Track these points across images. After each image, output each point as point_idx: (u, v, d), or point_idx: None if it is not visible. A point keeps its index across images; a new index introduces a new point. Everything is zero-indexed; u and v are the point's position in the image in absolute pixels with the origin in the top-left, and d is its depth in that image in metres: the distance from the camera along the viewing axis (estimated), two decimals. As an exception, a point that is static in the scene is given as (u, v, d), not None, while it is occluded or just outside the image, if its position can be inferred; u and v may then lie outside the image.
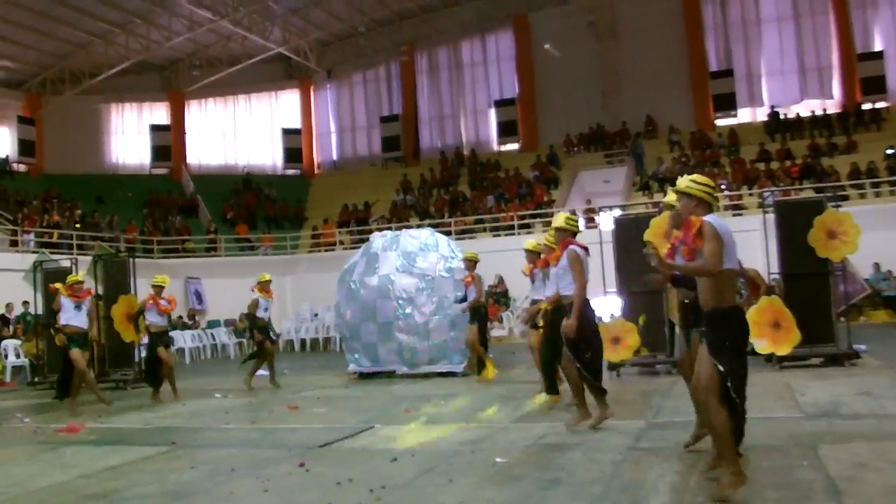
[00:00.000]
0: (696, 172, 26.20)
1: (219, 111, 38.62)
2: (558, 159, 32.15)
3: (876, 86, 29.78)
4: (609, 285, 13.68)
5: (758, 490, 5.30)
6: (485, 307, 13.67)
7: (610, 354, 11.77)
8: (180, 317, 25.07)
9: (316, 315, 27.21)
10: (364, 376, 14.94)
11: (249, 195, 35.09)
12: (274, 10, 32.06)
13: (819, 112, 30.44)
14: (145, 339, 14.40)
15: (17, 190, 29.81)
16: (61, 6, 28.94)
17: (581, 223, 25.65)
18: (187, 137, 37.25)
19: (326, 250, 30.42)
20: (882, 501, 5.08)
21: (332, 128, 39.02)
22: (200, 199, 34.21)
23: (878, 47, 30.66)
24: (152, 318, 13.34)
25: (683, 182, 5.63)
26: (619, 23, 33.27)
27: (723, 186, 26.58)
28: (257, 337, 14.34)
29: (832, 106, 30.79)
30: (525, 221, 27.51)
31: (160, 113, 37.11)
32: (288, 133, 38.40)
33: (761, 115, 31.77)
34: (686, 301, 6.43)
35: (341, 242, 30.29)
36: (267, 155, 38.75)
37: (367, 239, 17.08)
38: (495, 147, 35.50)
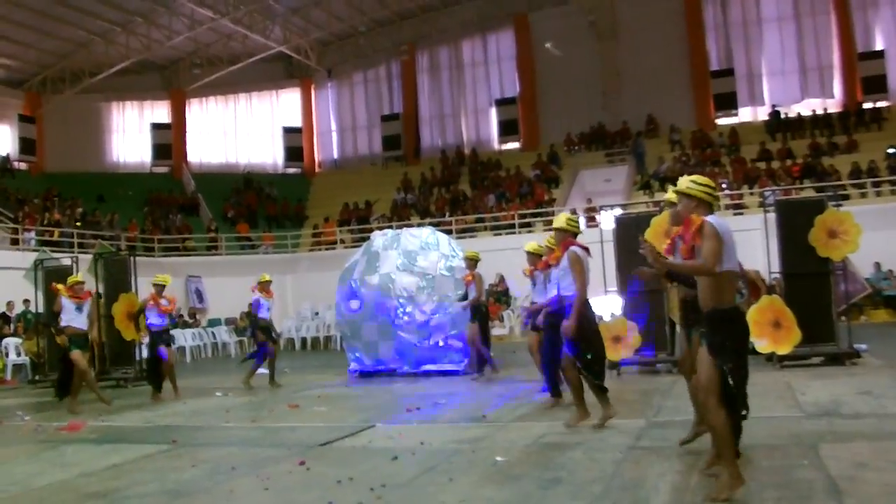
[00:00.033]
0: (696, 171, 26.28)
1: (220, 110, 38.62)
2: (559, 158, 32.14)
3: (877, 85, 29.76)
4: (610, 284, 13.66)
5: (758, 489, 5.30)
6: (485, 306, 13.67)
7: (611, 353, 11.77)
8: (181, 315, 25.06)
9: (317, 314, 27.22)
10: (365, 375, 14.96)
11: (250, 194, 35.10)
12: (275, 9, 32.07)
13: (820, 111, 30.43)
14: (146, 339, 14.41)
15: (17, 188, 29.81)
16: (62, 5, 28.94)
17: (582, 222, 25.69)
18: (188, 136, 37.24)
19: (327, 249, 30.42)
20: (882, 501, 5.08)
21: (333, 127, 39.01)
22: (201, 197, 34.22)
23: (878, 46, 30.63)
24: (153, 318, 13.34)
25: (684, 182, 5.63)
26: (620, 22, 33.26)
27: (723, 186, 26.57)
28: (260, 337, 14.35)
29: (833, 105, 30.79)
30: (526, 220, 27.50)
31: (161, 111, 37.11)
32: (289, 132, 38.40)
33: (762, 114, 31.76)
34: (686, 299, 6.42)
35: (342, 241, 30.29)
36: (268, 154, 38.76)
37: (368, 238, 17.09)
38: (496, 146, 35.50)
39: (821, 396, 9.18)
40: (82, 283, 12.47)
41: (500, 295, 24.53)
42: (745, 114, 32.25)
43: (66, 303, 11.98)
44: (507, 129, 35.07)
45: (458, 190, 32.03)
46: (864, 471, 5.70)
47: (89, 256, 18.23)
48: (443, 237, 15.99)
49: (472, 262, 13.47)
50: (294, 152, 38.40)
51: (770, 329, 11.79)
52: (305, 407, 11.08)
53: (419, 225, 22.60)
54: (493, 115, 35.63)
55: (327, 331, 25.92)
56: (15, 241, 24.93)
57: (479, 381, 12.95)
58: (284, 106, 39.24)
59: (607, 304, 15.29)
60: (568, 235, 8.20)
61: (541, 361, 10.07)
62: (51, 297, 14.42)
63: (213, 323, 26.86)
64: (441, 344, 14.55)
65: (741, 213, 24.90)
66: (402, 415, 9.69)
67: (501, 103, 35.25)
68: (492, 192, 30.75)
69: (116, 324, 14.56)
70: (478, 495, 5.66)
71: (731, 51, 32.56)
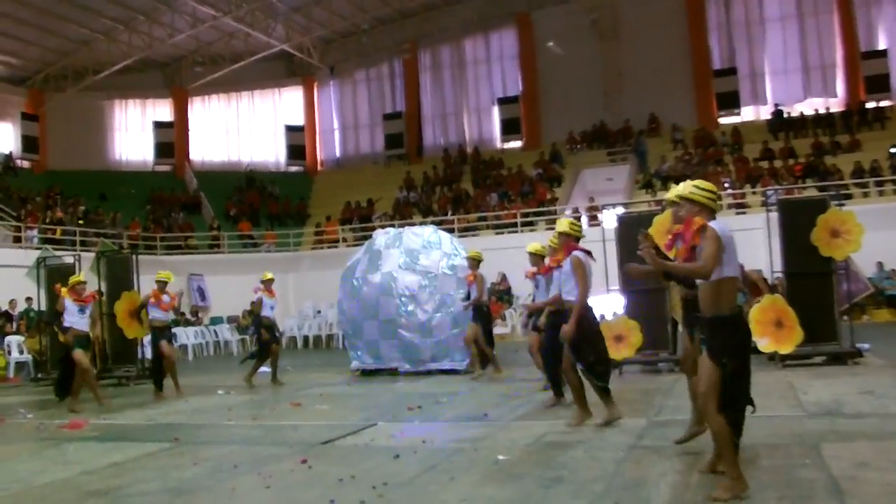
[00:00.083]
0: (699, 170, 26.31)
1: (222, 108, 38.63)
2: (561, 157, 32.12)
3: (880, 84, 29.70)
4: (612, 283, 13.66)
5: (760, 488, 5.29)
6: (487, 306, 13.66)
7: (612, 352, 11.76)
8: (183, 313, 25.07)
9: (318, 312, 27.23)
10: (366, 373, 14.96)
11: (252, 192, 35.11)
12: (277, 7, 32.06)
13: (822, 110, 30.39)
14: (149, 336, 14.45)
15: (20, 186, 29.85)
16: (65, 3, 28.97)
17: (584, 221, 25.74)
18: (190, 134, 37.23)
19: (329, 247, 30.42)
20: (884, 501, 5.08)
21: (336, 125, 39.03)
22: (203, 195, 34.22)
23: (882, 45, 30.56)
24: (155, 314, 13.37)
25: (687, 188, 5.60)
26: (622, 21, 33.22)
27: (726, 185, 26.55)
28: (264, 336, 14.35)
29: (836, 104, 30.73)
30: (528, 219, 27.49)
31: (163, 110, 37.12)
32: (291, 130, 38.40)
33: (765, 113, 31.71)
34: (687, 298, 6.42)
35: (344, 240, 30.27)
36: (270, 152, 38.76)
37: (370, 236, 17.08)
38: (498, 145, 35.50)
39: (823, 396, 9.17)
40: (84, 283, 12.46)
41: (503, 294, 24.53)
42: (748, 113, 32.22)
43: (69, 304, 11.99)
44: (509, 128, 35.06)
45: (461, 189, 32.01)
46: (866, 470, 5.70)
47: (91, 254, 18.26)
48: (445, 236, 15.99)
49: (475, 262, 13.48)
50: (296, 151, 38.40)
51: (772, 328, 11.81)
52: (307, 405, 11.09)
53: (421, 223, 22.58)
54: (496, 113, 35.63)
55: (329, 329, 25.93)
56: (17, 239, 24.96)
57: (480, 380, 12.95)
58: (287, 104, 39.24)
59: (609, 303, 15.29)
60: (571, 239, 8.24)
61: (542, 361, 10.08)
62: (53, 296, 14.43)
63: (216, 321, 26.87)
64: (443, 343, 14.55)
65: (743, 213, 24.90)
66: (404, 413, 9.69)
67: (504, 102, 35.25)
68: (494, 190, 30.73)
69: (118, 322, 14.57)
70: (479, 494, 5.67)
71: (734, 50, 32.51)
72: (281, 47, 34.10)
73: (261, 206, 34.30)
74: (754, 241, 17.86)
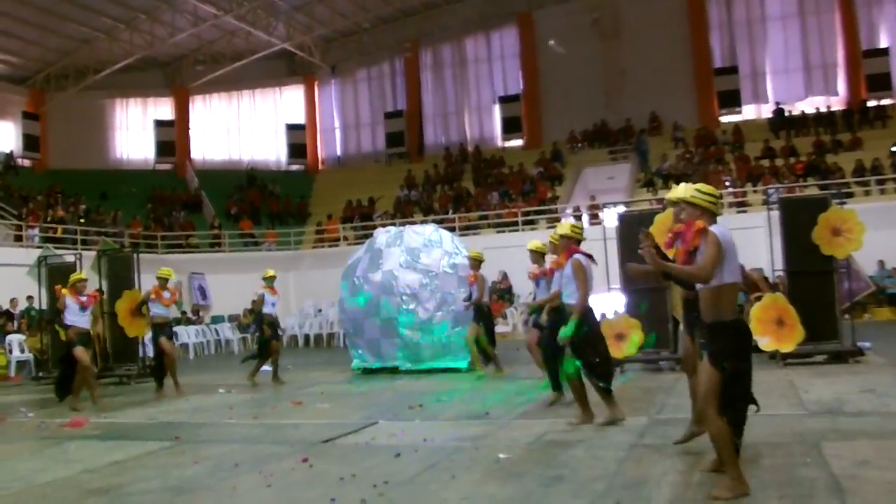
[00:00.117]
0: (700, 169, 26.29)
1: (223, 107, 38.63)
2: (562, 156, 32.10)
3: (881, 82, 29.68)
4: (613, 282, 13.66)
5: (761, 487, 5.29)
6: (487, 306, 13.64)
7: (613, 351, 11.76)
8: (184, 312, 25.08)
9: (319, 311, 27.23)
10: (367, 372, 14.96)
11: (253, 191, 35.11)
12: (278, 6, 32.06)
13: (824, 109, 30.38)
14: (150, 334, 14.47)
15: (21, 185, 29.86)
16: (66, 2, 28.97)
17: (585, 220, 25.76)
18: (191, 133, 37.23)
19: (330, 246, 30.43)
20: (885, 499, 5.07)
21: (336, 124, 39.05)
22: (204, 194, 34.21)
23: (883, 44, 30.54)
24: (156, 310, 13.40)
25: (688, 191, 5.58)
26: (623, 19, 33.20)
27: (727, 183, 26.55)
28: (266, 332, 14.36)
29: (837, 103, 30.72)
30: (529, 218, 27.48)
31: (164, 109, 37.12)
32: (292, 129, 38.41)
33: (766, 112, 31.70)
34: (689, 299, 6.41)
35: (345, 238, 30.27)
36: (271, 151, 38.76)
37: (371, 235, 17.08)
38: (499, 143, 35.50)
39: (824, 394, 9.17)
40: (85, 280, 12.45)
41: (504, 293, 24.52)
42: (749, 111, 32.20)
43: (70, 302, 11.99)
44: (510, 127, 35.08)
45: (462, 187, 32.01)
46: (867, 469, 5.69)
47: (92, 253, 18.25)
48: (446, 234, 15.98)
49: (476, 262, 13.47)
50: (297, 149, 38.41)
51: (773, 327, 11.80)
52: (308, 404, 11.09)
53: (422, 222, 22.58)
54: (497, 112, 35.64)
55: (330, 328, 25.93)
56: (18, 238, 24.98)
57: (485, 378, 12.94)
58: (288, 103, 39.25)
59: (610, 302, 15.29)
60: (572, 242, 8.23)
61: (542, 358, 10.09)
62: (54, 295, 14.42)
63: (217, 320, 26.87)
64: (444, 341, 14.55)
65: (745, 211, 24.90)
66: (405, 412, 9.69)
67: (505, 100, 35.26)
68: (495, 189, 30.72)
69: (119, 321, 14.59)
70: (480, 492, 5.67)
71: (735, 48, 32.51)
72: (282, 46, 34.09)
73: (262, 204, 34.29)
74: (755, 240, 17.87)
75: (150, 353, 15.12)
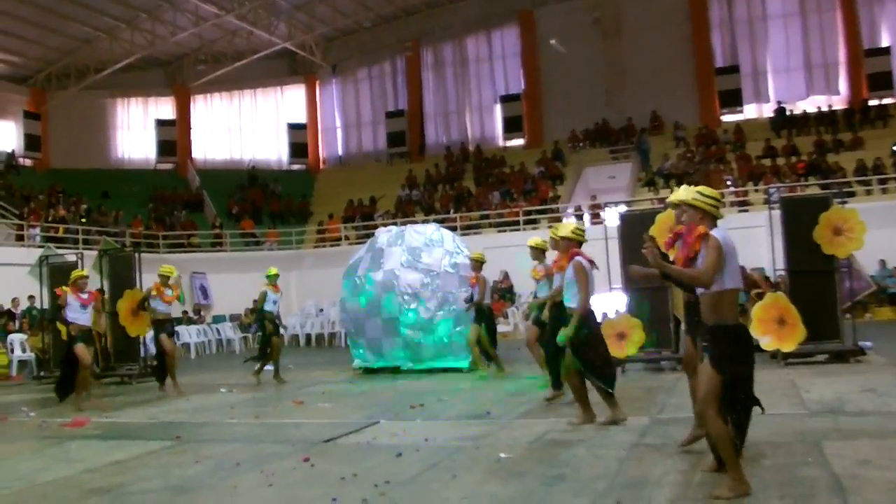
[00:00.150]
0: (701, 168, 26.27)
1: (224, 106, 38.65)
2: (563, 155, 32.10)
3: (883, 82, 29.68)
4: (614, 281, 13.65)
5: (762, 486, 5.29)
6: (489, 308, 13.63)
7: (615, 351, 11.77)
8: (185, 312, 25.09)
9: (321, 310, 27.23)
10: (369, 372, 14.96)
11: (255, 190, 35.11)
12: (279, 6, 32.07)
13: (825, 108, 30.38)
14: (151, 333, 14.50)
15: (22, 185, 29.89)
16: (67, 2, 28.99)
17: (586, 219, 25.75)
18: (193, 132, 37.25)
19: (331, 246, 30.44)
20: (886, 498, 5.07)
21: (338, 123, 39.06)
22: (206, 194, 34.23)
23: (885, 43, 30.54)
24: (157, 307, 13.43)
25: (690, 193, 5.57)
26: (625, 19, 33.20)
27: (728, 183, 26.54)
28: (268, 328, 14.37)
29: (838, 102, 30.73)
30: (531, 217, 27.47)
31: (165, 108, 37.14)
32: (293, 128, 38.42)
33: (767, 111, 31.71)
34: (690, 302, 6.41)
35: (346, 238, 30.27)
36: (272, 150, 38.78)
37: (373, 234, 17.08)
38: (500, 143, 35.51)
39: (825, 394, 9.17)
40: (86, 276, 12.46)
41: (505, 292, 24.52)
42: (750, 111, 32.21)
43: (72, 300, 12.00)
44: (511, 126, 35.09)
45: (463, 187, 32.01)
46: (868, 468, 5.69)
47: (94, 253, 18.26)
48: (447, 234, 15.97)
49: (478, 263, 13.44)
50: (298, 149, 38.41)
51: (774, 326, 11.80)
52: (310, 403, 11.09)
53: (423, 222, 22.59)
54: (498, 111, 35.66)
55: (332, 327, 25.91)
56: (20, 238, 25.01)
57: (487, 379, 12.94)
58: (289, 102, 39.27)
59: (612, 302, 15.28)
60: (573, 245, 8.22)
61: (544, 354, 10.11)
62: (56, 295, 14.42)
63: (218, 319, 26.88)
64: (445, 341, 14.55)
65: (746, 211, 24.89)
66: (406, 412, 9.69)
67: (506, 100, 35.28)
68: (496, 188, 30.71)
69: (121, 320, 14.60)
70: (481, 492, 5.67)
71: (737, 48, 32.51)
72: (283, 45, 34.11)
73: (263, 204, 34.30)
74: (757, 239, 17.84)
75: (152, 351, 15.15)
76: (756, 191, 25.53)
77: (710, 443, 5.83)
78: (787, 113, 30.66)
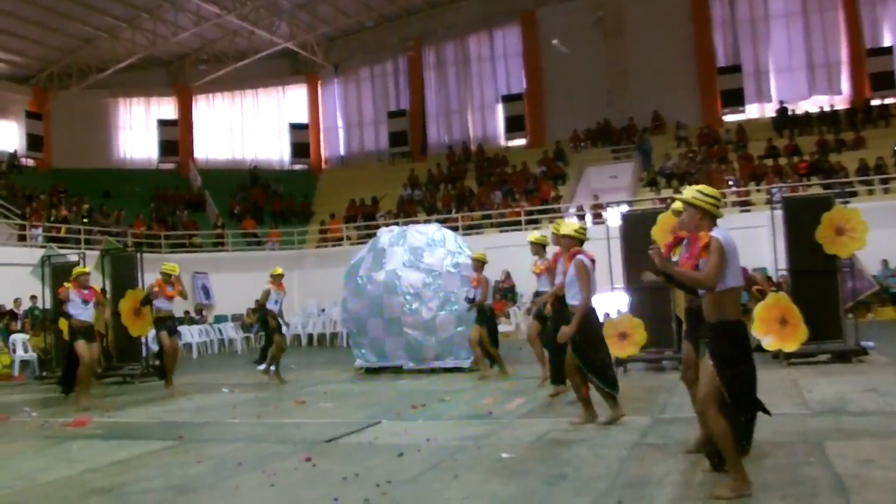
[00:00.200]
0: (703, 168, 26.24)
1: (226, 106, 38.65)
2: (565, 155, 32.08)
3: (885, 81, 29.65)
4: (616, 281, 13.64)
5: (764, 486, 5.28)
6: (491, 308, 13.63)
7: (616, 350, 11.77)
8: (187, 312, 25.09)
9: (323, 310, 27.23)
10: (371, 371, 14.96)
11: (256, 190, 35.12)
12: (281, 5, 32.09)
13: (827, 108, 30.36)
14: (153, 332, 14.51)
15: (24, 185, 29.89)
16: (68, 1, 28.99)
17: (588, 219, 25.74)
18: (194, 132, 37.26)
19: (333, 245, 30.44)
20: (888, 498, 5.06)
21: (340, 123, 39.05)
22: (207, 193, 34.22)
23: (887, 42, 30.51)
24: (159, 304, 13.46)
25: (690, 192, 5.56)
26: (627, 18, 33.18)
27: (730, 182, 26.52)
28: (271, 324, 14.39)
29: (840, 102, 30.71)
30: (532, 217, 27.46)
31: (167, 108, 37.16)
32: (295, 128, 38.42)
33: (769, 110, 31.71)
34: (692, 308, 6.41)
35: (348, 238, 30.27)
36: (274, 150, 38.78)
37: (374, 234, 17.08)
38: (502, 142, 35.50)
39: (827, 394, 9.16)
40: (88, 273, 12.49)
41: (507, 292, 24.51)
42: (752, 110, 32.19)
43: (73, 296, 12.02)
44: (513, 126, 35.07)
45: (465, 186, 32.01)
46: (870, 468, 5.68)
47: (96, 253, 18.27)
48: (449, 234, 15.97)
49: (479, 264, 13.43)
50: (300, 148, 38.41)
51: (777, 326, 11.78)
52: (311, 403, 11.10)
53: (425, 221, 22.59)
54: (500, 111, 35.65)
55: (333, 327, 25.91)
56: (22, 238, 25.03)
57: (487, 380, 12.93)
58: (291, 102, 39.26)
59: (614, 301, 15.27)
60: (575, 243, 8.23)
61: (547, 350, 10.12)
62: (58, 295, 14.43)
63: (220, 319, 26.89)
64: (447, 341, 14.55)
65: (748, 211, 24.87)
66: (408, 411, 9.69)
67: (508, 99, 35.26)
68: (498, 188, 30.70)
69: (123, 320, 14.61)
70: (483, 491, 5.67)
71: (739, 47, 32.50)
72: (285, 45, 34.12)
73: (265, 203, 34.31)
74: (759, 239, 17.83)
75: (154, 351, 15.18)
76: (758, 191, 25.52)
77: (707, 447, 5.83)
78: (790, 113, 30.64)
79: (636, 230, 12.63)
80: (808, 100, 31.17)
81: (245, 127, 38.65)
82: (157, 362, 14.56)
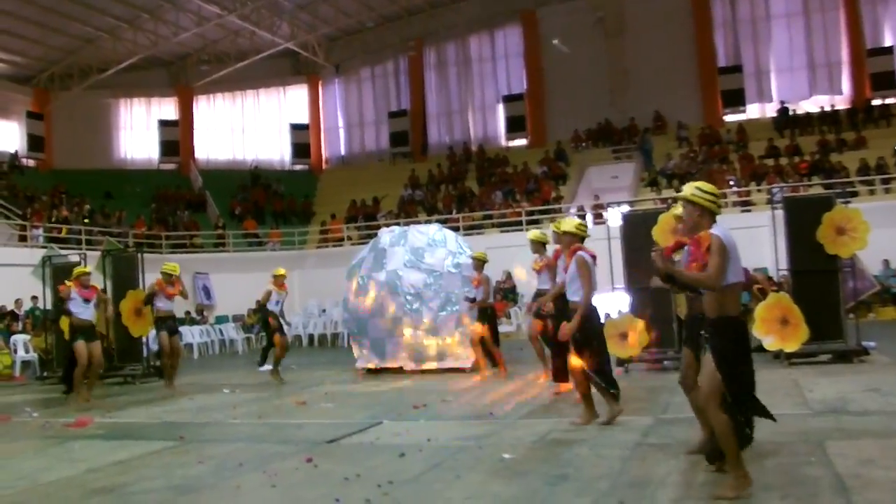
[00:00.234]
0: (704, 168, 26.23)
1: (227, 106, 38.64)
2: (566, 155, 32.08)
3: (886, 81, 29.64)
4: (617, 281, 13.64)
5: (765, 487, 5.28)
6: (492, 308, 13.64)
7: (618, 351, 11.77)
8: (188, 312, 25.10)
9: (324, 311, 27.23)
10: (372, 372, 14.95)
11: (257, 190, 35.12)
12: (282, 5, 32.08)
13: (828, 108, 30.36)
14: (153, 333, 14.51)
15: (25, 185, 29.90)
16: (69, 2, 29.00)
17: (589, 219, 25.71)
18: (195, 133, 37.26)
19: (334, 246, 30.43)
20: (889, 498, 5.06)
21: (340, 123, 39.06)
22: (208, 194, 34.21)
23: (888, 42, 30.51)
24: (159, 304, 13.47)
25: (689, 189, 5.56)
26: (628, 18, 33.18)
27: (731, 182, 26.51)
28: (273, 324, 14.39)
29: (841, 102, 30.71)
30: (533, 217, 27.45)
31: (168, 108, 37.17)
32: (296, 128, 38.42)
33: (770, 110, 31.71)
34: (693, 315, 6.40)
35: (349, 238, 30.28)
36: (275, 150, 38.78)
37: (375, 234, 17.08)
38: (503, 142, 35.50)
39: (828, 394, 9.16)
40: (89, 273, 12.51)
41: (508, 292, 24.50)
42: (753, 110, 32.19)
43: (75, 294, 12.03)
44: (514, 126, 35.06)
45: (465, 187, 32.00)
46: (872, 468, 5.68)
47: (97, 253, 18.27)
48: (450, 234, 15.97)
49: (480, 263, 13.43)
50: (301, 149, 38.42)
51: (778, 326, 11.78)
52: (312, 403, 11.10)
53: (426, 222, 22.59)
54: (501, 111, 35.64)
55: (334, 327, 25.90)
56: (23, 238, 25.03)
57: (488, 380, 12.94)
58: (292, 102, 39.26)
59: (614, 301, 15.26)
60: (576, 240, 8.24)
61: (548, 347, 10.13)
62: (59, 295, 14.44)
63: (221, 320, 26.88)
64: (448, 341, 14.55)
65: (749, 210, 24.86)
66: (409, 412, 9.69)
67: (509, 99, 35.26)
68: (499, 188, 30.69)
69: (124, 321, 14.62)
70: (484, 492, 5.67)
71: (739, 47, 32.50)
72: (286, 45, 34.12)
73: (266, 204, 34.31)
74: (760, 239, 17.82)
75: (156, 350, 15.19)
76: (759, 191, 25.51)
77: (706, 447, 5.82)
78: (790, 113, 30.63)
79: (637, 230, 12.64)
80: (808, 100, 31.18)
81: (246, 127, 38.65)
82: (158, 362, 14.55)
